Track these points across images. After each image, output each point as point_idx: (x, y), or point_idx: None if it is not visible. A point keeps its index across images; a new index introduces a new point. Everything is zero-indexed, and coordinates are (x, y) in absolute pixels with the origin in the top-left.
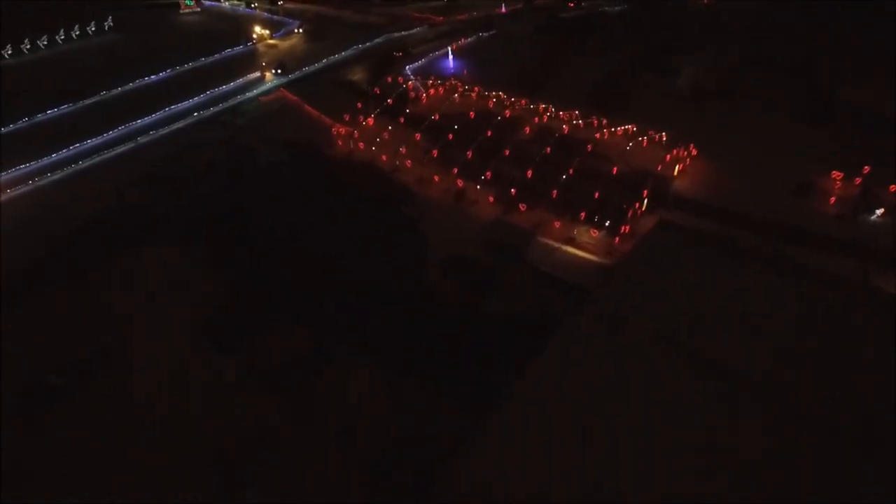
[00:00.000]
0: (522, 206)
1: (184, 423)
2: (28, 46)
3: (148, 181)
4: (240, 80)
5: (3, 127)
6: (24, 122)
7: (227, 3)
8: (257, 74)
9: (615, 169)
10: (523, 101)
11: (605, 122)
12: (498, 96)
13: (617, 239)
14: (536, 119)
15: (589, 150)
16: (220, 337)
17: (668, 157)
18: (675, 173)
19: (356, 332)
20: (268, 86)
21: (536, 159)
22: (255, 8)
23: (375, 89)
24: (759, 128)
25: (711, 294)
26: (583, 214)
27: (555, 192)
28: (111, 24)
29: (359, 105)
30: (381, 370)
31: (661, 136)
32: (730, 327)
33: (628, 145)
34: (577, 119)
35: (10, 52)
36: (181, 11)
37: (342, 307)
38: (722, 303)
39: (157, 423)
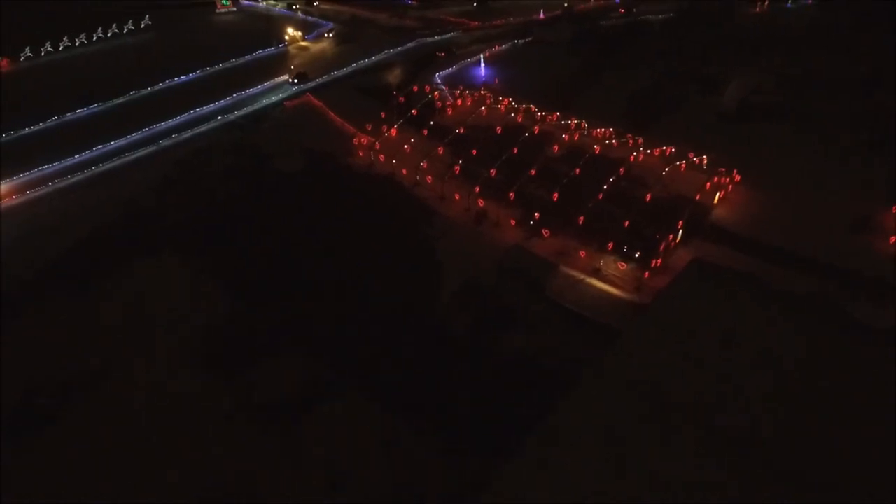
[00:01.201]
0: (546, 232)
1: (167, 459)
2: (66, 44)
3: (163, 188)
4: (267, 84)
5: (32, 126)
6: (53, 121)
7: (263, 3)
8: (285, 78)
9: (649, 196)
10: (554, 116)
11: (640, 141)
12: (528, 109)
13: (647, 273)
14: (567, 137)
15: (622, 173)
16: (218, 363)
17: (709, 184)
18: (716, 201)
19: (358, 364)
20: (293, 90)
21: (564, 181)
22: (297, 10)
23: (400, 98)
24: (812, 153)
25: (749, 354)
26: (610, 244)
27: (581, 217)
28: (148, 22)
29: (382, 114)
30: (380, 412)
31: (701, 160)
32: (767, 398)
33: (665, 170)
34: (610, 138)
35: (48, 48)
36: (217, 11)
37: (347, 336)
38: (761, 365)
39: (140, 456)
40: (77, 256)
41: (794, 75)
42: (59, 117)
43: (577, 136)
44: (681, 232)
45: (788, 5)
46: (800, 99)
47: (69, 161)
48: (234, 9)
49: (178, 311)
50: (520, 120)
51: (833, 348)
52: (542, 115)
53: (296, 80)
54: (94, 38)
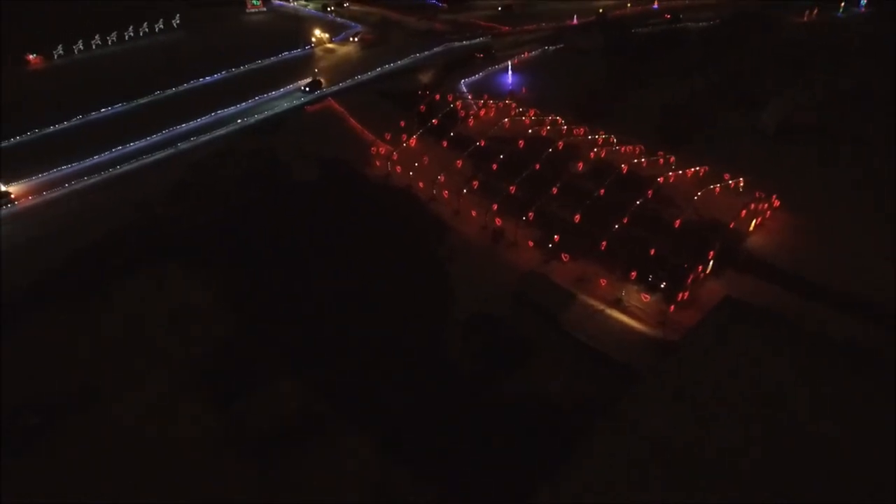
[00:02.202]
0: (565, 256)
1: (147, 487)
2: (98, 42)
3: (177, 193)
4: (290, 87)
5: (57, 125)
6: (77, 120)
7: (293, 4)
8: (309, 80)
9: (678, 221)
10: (581, 130)
11: (672, 160)
12: (554, 122)
13: (672, 307)
14: (593, 154)
15: (650, 195)
16: (212, 388)
17: (744, 210)
18: (751, 228)
19: (356, 399)
20: (315, 94)
21: (587, 201)
22: (331, 11)
23: (421, 107)
24: (860, 178)
25: (784, 410)
26: (634, 273)
27: (604, 242)
28: (178, 21)
29: (402, 123)
30: (374, 452)
31: (737, 182)
32: (803, 463)
33: (697, 193)
34: (640, 155)
35: (80, 47)
36: (247, 11)
37: (346, 366)
38: (797, 425)
39: (119, 484)
40: (82, 263)
41: (840, 92)
42: (83, 116)
43: (604, 153)
44: (711, 262)
45: (839, 14)
46: (847, 118)
47: (88, 162)
48: (264, 9)
49: (178, 328)
50: (544, 133)
51: (880, 409)
52: (568, 128)
53: (307, 88)
54: (126, 37)
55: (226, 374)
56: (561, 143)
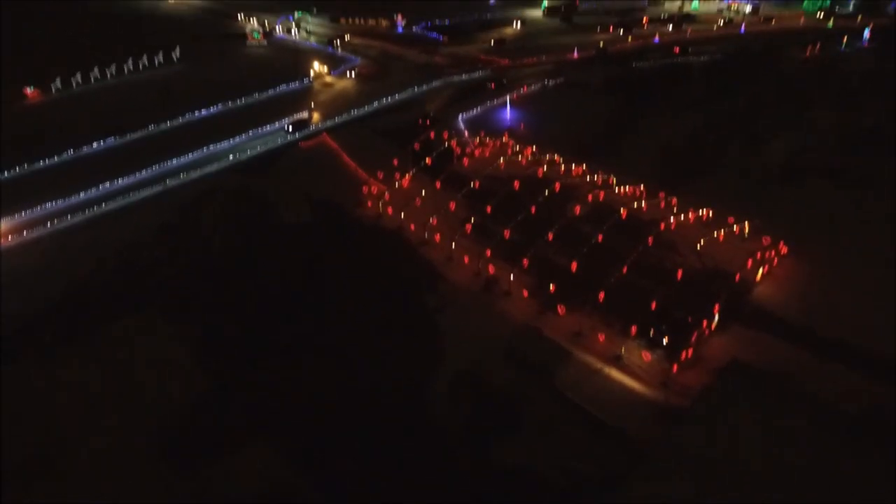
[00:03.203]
0: (561, 308)
1: None
2: (97, 76)
3: (161, 236)
4: (285, 121)
5: (46, 160)
6: (67, 155)
7: (295, 37)
8: (304, 115)
9: (680, 271)
10: (579, 169)
11: (674, 202)
12: (552, 161)
13: (675, 366)
14: (591, 196)
15: (650, 242)
16: (177, 453)
17: (751, 259)
18: (759, 277)
19: (328, 469)
20: (309, 129)
21: (585, 248)
22: (337, 47)
23: (415, 144)
24: (874, 222)
25: (797, 495)
26: (634, 328)
27: (602, 293)
28: (178, 54)
29: (395, 161)
30: None
31: (743, 227)
32: None
33: (700, 241)
34: (640, 197)
35: (79, 80)
36: (248, 44)
37: (319, 432)
38: None
39: None
40: (53, 313)
41: (850, 132)
42: (73, 151)
43: (602, 194)
44: (717, 316)
45: (843, 49)
46: (857, 159)
47: (73, 200)
48: (265, 43)
49: (151, 385)
50: (541, 173)
51: None
52: (566, 167)
53: (289, 129)
54: (126, 70)
55: (195, 438)
56: (558, 185)
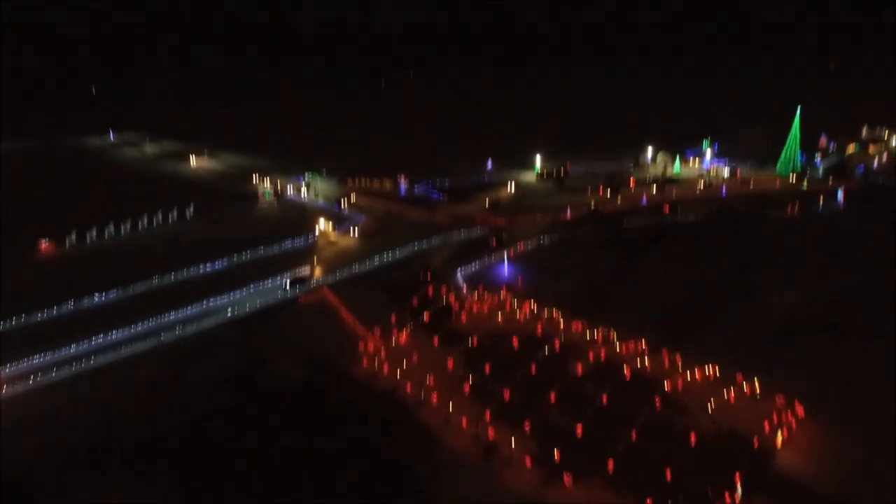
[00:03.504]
0: (568, 478)
1: None
2: (112, 231)
3: (147, 393)
4: (287, 276)
5: (47, 311)
6: (67, 307)
7: (304, 198)
8: (305, 271)
9: (693, 435)
10: (579, 325)
11: (678, 359)
12: (551, 316)
13: None
14: (592, 354)
15: (658, 404)
16: None
17: (767, 422)
18: (779, 443)
19: None
20: (309, 285)
21: (589, 411)
22: (343, 206)
23: (413, 300)
24: (888, 380)
25: None
26: (649, 502)
27: (611, 461)
28: (192, 212)
29: (392, 317)
30: None
31: (753, 385)
32: None
33: (710, 401)
34: (643, 353)
35: (94, 235)
36: (259, 204)
37: None
38: None
39: None
40: (25, 476)
41: (849, 287)
42: (74, 303)
43: (604, 351)
44: (739, 489)
45: (820, 210)
46: (856, 311)
47: (62, 353)
48: (275, 202)
49: None
50: (540, 329)
51: None
52: (565, 323)
53: (287, 286)
54: (140, 226)
55: None
56: (558, 342)
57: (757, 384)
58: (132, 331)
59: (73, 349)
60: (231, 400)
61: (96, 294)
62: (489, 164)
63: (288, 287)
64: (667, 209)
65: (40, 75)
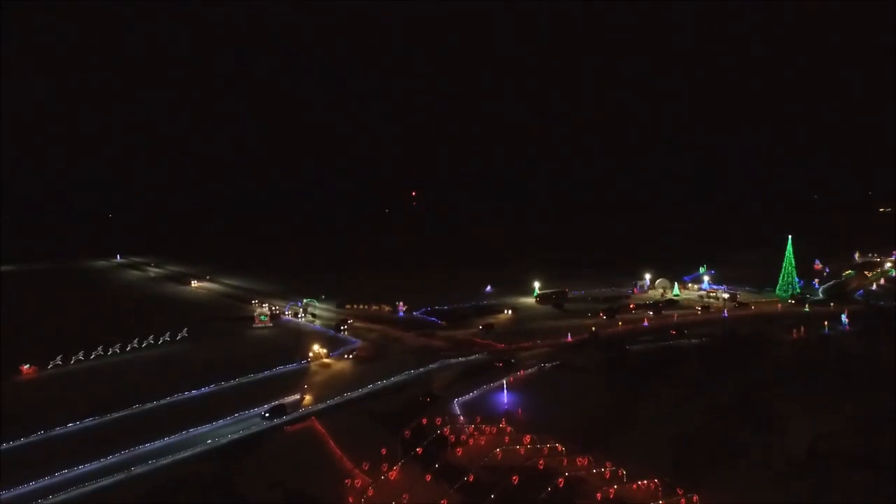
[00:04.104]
0: None
1: None
2: (100, 353)
3: None
4: (275, 403)
5: (11, 442)
6: (36, 436)
7: (302, 319)
8: (296, 397)
9: None
10: (584, 460)
11: (696, 500)
12: (553, 449)
13: None
14: (599, 495)
15: None
16: None
17: None
18: None
19: None
20: (298, 413)
21: None
22: (340, 330)
23: (406, 432)
24: None
25: None
26: None
27: None
28: (185, 334)
29: (383, 451)
30: None
31: None
32: None
33: None
34: (656, 494)
35: (80, 356)
36: (254, 325)
37: None
38: None
39: None
40: None
41: (866, 414)
42: (44, 432)
43: (612, 492)
44: None
45: (826, 332)
46: (881, 441)
47: (20, 489)
48: (271, 324)
49: None
50: (542, 465)
51: None
52: (569, 458)
53: (267, 415)
54: (129, 348)
55: None
56: (561, 480)
57: None
58: (102, 462)
59: (31, 485)
60: None
61: (71, 422)
62: (488, 288)
63: (266, 416)
64: (674, 332)
65: (52, 198)
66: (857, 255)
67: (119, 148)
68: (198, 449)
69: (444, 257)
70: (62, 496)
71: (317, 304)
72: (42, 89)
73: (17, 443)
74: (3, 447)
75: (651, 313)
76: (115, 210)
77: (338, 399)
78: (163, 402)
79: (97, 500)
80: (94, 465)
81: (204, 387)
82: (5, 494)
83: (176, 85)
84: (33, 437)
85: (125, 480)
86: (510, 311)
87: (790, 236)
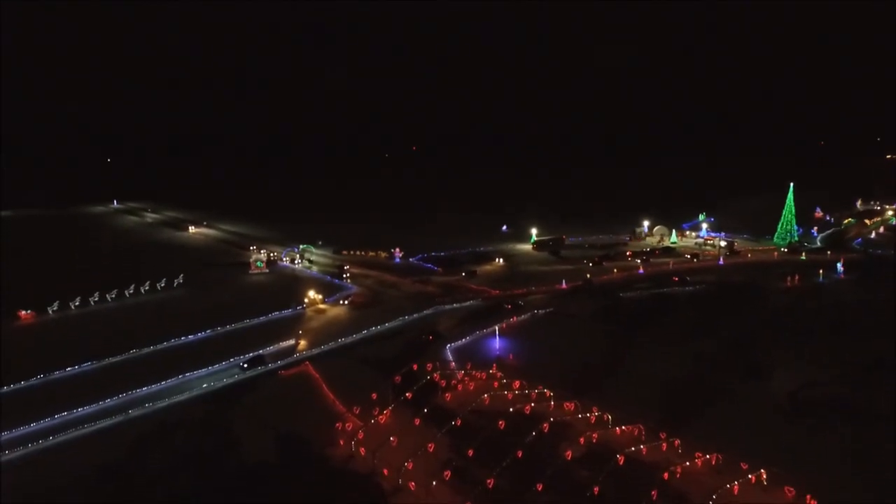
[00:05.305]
0: None
1: None
2: (96, 299)
3: (109, 473)
4: (270, 348)
5: (12, 385)
6: (36, 380)
7: (298, 265)
8: (291, 342)
9: None
10: (571, 405)
11: (677, 444)
12: (542, 394)
13: None
14: (583, 439)
15: (654, 497)
16: None
17: None
18: None
19: None
20: (292, 359)
21: (580, 502)
22: (336, 276)
23: (396, 377)
24: None
25: None
26: None
27: None
28: (181, 280)
29: (374, 395)
30: None
31: (759, 475)
32: None
33: (714, 494)
34: (640, 438)
35: (77, 303)
36: (250, 272)
37: None
38: None
39: None
40: None
41: (853, 362)
42: (43, 375)
43: (596, 435)
44: None
45: (821, 280)
46: (866, 391)
47: (20, 430)
48: (267, 270)
49: None
50: (529, 409)
51: None
52: (556, 403)
53: (245, 365)
54: (127, 294)
55: None
56: (547, 424)
57: (763, 474)
58: (100, 405)
59: (32, 426)
60: (196, 485)
61: (69, 367)
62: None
63: (245, 367)
64: (675, 279)
65: (49, 143)
66: (859, 203)
67: (116, 92)
68: (193, 392)
69: (443, 203)
70: (62, 437)
71: (314, 250)
72: (37, 33)
73: (18, 386)
74: (3, 390)
75: (641, 261)
76: (112, 155)
77: (332, 344)
78: (159, 347)
79: (94, 443)
80: (93, 408)
81: (200, 332)
82: (7, 436)
83: (173, 27)
84: (33, 381)
85: (123, 423)
86: (501, 260)
87: (791, 184)
